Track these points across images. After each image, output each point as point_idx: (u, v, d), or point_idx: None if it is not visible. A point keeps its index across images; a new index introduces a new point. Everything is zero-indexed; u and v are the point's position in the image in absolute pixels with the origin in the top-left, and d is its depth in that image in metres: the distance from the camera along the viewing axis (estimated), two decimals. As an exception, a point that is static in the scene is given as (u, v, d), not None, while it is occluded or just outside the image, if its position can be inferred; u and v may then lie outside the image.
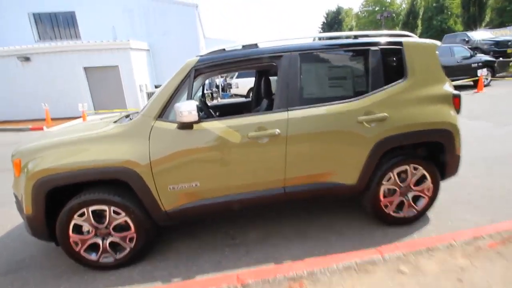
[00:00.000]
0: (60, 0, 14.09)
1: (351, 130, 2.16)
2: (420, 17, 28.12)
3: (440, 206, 2.62)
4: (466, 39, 14.11)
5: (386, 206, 2.33)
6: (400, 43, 2.29)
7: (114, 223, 2.06)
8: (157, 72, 14.73)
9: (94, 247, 2.10)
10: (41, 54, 11.48)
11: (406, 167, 2.27)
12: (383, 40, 2.30)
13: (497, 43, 13.26)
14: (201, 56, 2.17)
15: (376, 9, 39.32)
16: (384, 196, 2.31)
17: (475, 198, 2.78)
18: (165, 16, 14.56)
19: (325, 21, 40.78)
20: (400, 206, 2.37)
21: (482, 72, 9.63)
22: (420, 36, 2.37)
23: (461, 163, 2.43)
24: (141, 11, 14.42)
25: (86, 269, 2.14)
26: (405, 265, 1.85)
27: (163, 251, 2.34)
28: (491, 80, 10.57)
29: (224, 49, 2.22)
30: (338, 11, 40.14)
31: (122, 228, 2.08)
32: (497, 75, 11.08)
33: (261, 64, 2.31)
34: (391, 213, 2.36)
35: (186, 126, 1.99)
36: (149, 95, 12.39)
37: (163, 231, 2.57)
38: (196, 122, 1.97)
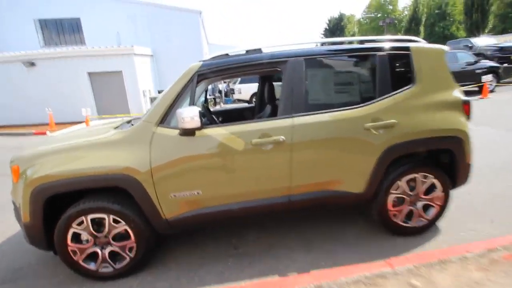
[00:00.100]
0: (65, 7, 14.31)
1: (358, 137, 2.09)
2: (423, 23, 28.20)
3: (449, 216, 2.53)
4: (470, 45, 14.06)
5: (394, 216, 2.25)
6: (407, 48, 2.24)
7: (114, 231, 2.00)
8: (160, 78, 14.81)
9: (93, 257, 2.04)
10: (46, 59, 11.60)
11: (415, 175, 2.20)
12: (390, 45, 2.25)
13: (501, 49, 13.17)
14: (204, 61, 2.14)
15: (378, 15, 39.55)
16: (393, 205, 2.23)
17: (485, 207, 2.69)
18: (169, 23, 14.71)
19: (327, 28, 41.00)
20: (409, 215, 2.29)
21: (487, 78, 9.55)
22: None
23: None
24: (145, 18, 14.58)
25: (85, 279, 2.08)
26: (416, 279, 1.77)
27: (164, 260, 2.27)
28: (495, 86, 10.48)
29: (227, 54, 2.19)
30: (340, 17, 40.38)
31: (121, 237, 2.02)
32: (502, 81, 10.97)
33: (265, 70, 2.27)
34: (400, 222, 2.27)
35: (188, 132, 1.94)
36: (152, 100, 12.43)
37: (164, 239, 2.51)
38: (198, 129, 1.93)
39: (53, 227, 1.97)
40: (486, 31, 22.23)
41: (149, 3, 14.80)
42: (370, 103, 2.14)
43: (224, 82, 15.44)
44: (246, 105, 7.74)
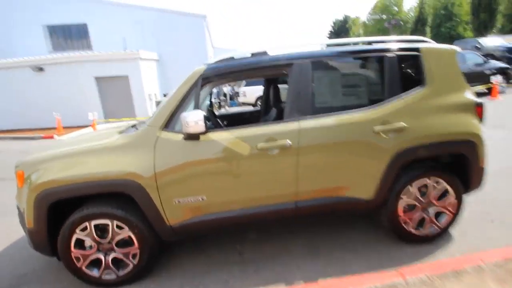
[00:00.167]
0: (73, 13, 14.57)
1: (367, 140, 2.03)
2: (429, 24, 27.92)
3: (462, 222, 2.43)
4: (478, 46, 13.81)
5: (405, 223, 2.17)
6: (417, 49, 2.18)
7: (117, 238, 1.97)
8: (166, 81, 14.91)
9: (96, 263, 2.01)
10: (54, 65, 11.78)
11: (427, 180, 2.12)
12: (399, 46, 2.19)
13: (510, 50, 12.92)
14: (209, 64, 2.11)
15: (384, 17, 39.30)
16: (403, 212, 2.15)
17: (500, 214, 2.58)
18: (174, 27, 14.84)
19: (332, 30, 40.96)
20: (421, 222, 2.21)
21: (497, 79, 9.35)
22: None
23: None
24: (151, 23, 14.75)
25: (88, 286, 2.04)
26: (430, 290, 1.69)
27: (168, 267, 2.23)
28: (506, 86, 10.25)
29: (232, 57, 2.15)
30: (345, 19, 40.31)
31: (125, 243, 1.99)
32: (512, 81, 10.75)
33: (271, 72, 2.24)
34: (411, 230, 2.19)
35: (193, 137, 1.90)
36: (158, 103, 12.50)
37: (168, 245, 2.47)
38: (203, 133, 1.89)
39: (57, 233, 1.94)
40: (494, 31, 21.88)
41: (155, 9, 14.99)
42: (379, 106, 2.08)
43: (229, 85, 15.49)
44: (251, 108, 7.72)
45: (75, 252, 1.95)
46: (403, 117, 2.04)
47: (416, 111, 2.07)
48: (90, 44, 15.08)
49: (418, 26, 27.85)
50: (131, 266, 2.02)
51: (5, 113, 11.93)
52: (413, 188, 2.12)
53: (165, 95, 13.04)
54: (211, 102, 3.57)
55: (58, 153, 2.01)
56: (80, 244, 1.96)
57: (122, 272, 2.02)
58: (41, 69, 11.74)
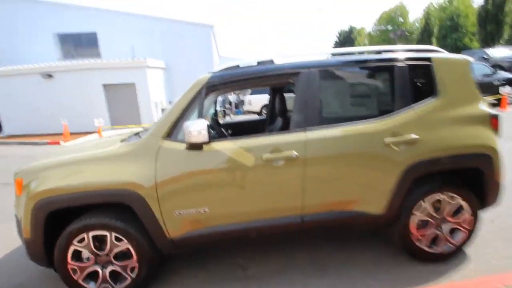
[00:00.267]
0: (83, 22, 14.93)
1: (377, 153, 1.95)
2: (435, 35, 27.93)
3: (478, 240, 2.30)
4: (485, 56, 13.68)
5: (418, 240, 2.06)
6: (428, 59, 2.11)
7: (115, 250, 1.89)
8: (172, 89, 15.06)
9: (93, 276, 1.94)
10: (63, 72, 12.01)
11: (441, 195, 2.02)
12: (409, 55, 2.12)
13: (519, 61, 12.77)
14: (214, 72, 2.07)
15: (389, 28, 39.49)
16: (416, 228, 2.04)
17: (519, 231, 2.44)
18: (182, 36, 15.07)
19: (338, 41, 41.26)
20: (434, 240, 2.09)
21: (506, 90, 9.19)
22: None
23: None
24: (159, 32, 15.00)
25: (84, 300, 1.96)
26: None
27: (168, 282, 2.13)
28: (515, 98, 10.07)
29: (238, 66, 2.11)
30: (351, 30, 40.62)
31: (123, 256, 1.91)
32: (521, 92, 10.55)
33: (277, 81, 2.18)
34: (424, 247, 2.07)
35: (195, 146, 1.85)
36: (163, 111, 12.57)
37: (168, 258, 2.38)
38: (206, 143, 1.83)
39: (54, 243, 1.88)
40: (502, 42, 21.73)
41: (163, 18, 15.27)
42: (389, 117, 2.00)
43: (235, 93, 15.57)
44: (256, 117, 7.68)
45: (72, 264, 1.88)
46: (414, 129, 1.96)
47: (428, 122, 1.99)
48: (99, 52, 15.37)
49: (424, 37, 27.85)
50: (129, 280, 1.94)
51: (14, 118, 12.14)
52: (425, 204, 2.02)
53: (170, 103, 13.15)
54: (216, 110, 3.54)
55: (58, 161, 1.97)
56: (77, 255, 1.89)
57: (119, 286, 1.94)
58: (50, 76, 11.96)
